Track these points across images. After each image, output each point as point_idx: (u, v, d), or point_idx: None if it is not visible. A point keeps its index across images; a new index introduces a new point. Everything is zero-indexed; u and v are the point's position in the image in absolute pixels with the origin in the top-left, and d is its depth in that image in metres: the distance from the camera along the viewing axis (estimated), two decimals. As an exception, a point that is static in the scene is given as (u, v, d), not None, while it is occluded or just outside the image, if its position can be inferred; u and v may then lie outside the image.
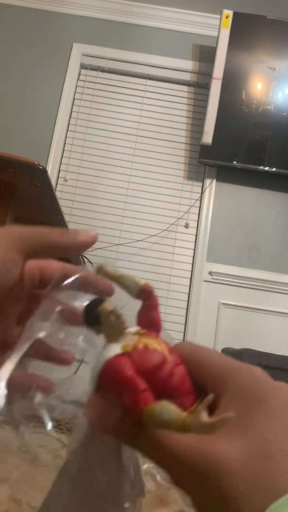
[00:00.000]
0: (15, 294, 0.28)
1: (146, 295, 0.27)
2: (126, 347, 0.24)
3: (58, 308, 0.27)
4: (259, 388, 0.23)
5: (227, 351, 2.23)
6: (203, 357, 0.25)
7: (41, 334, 0.26)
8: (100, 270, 0.28)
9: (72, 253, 0.29)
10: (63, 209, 1.49)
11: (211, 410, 0.21)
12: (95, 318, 0.24)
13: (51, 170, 2.55)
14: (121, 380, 0.22)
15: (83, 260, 2.31)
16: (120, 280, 0.27)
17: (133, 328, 0.26)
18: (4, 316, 0.29)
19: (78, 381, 0.27)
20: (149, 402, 0.21)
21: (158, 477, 0.26)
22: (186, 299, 2.43)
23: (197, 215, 2.55)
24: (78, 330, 0.27)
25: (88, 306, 0.25)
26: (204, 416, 0.19)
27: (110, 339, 0.24)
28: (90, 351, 0.26)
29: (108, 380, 0.23)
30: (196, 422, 0.20)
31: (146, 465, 0.26)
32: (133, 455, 0.25)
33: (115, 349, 0.24)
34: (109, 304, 0.25)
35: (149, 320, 0.27)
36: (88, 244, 0.29)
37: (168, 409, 0.21)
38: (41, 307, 0.27)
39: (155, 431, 0.22)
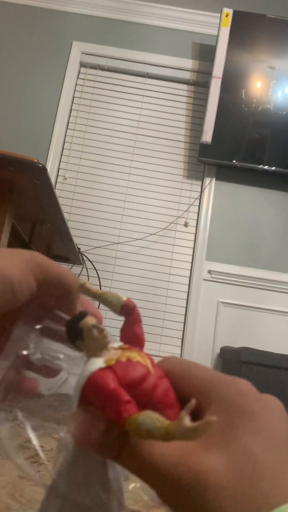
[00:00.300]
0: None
1: (128, 311, 0.27)
2: (109, 360, 0.23)
3: (41, 325, 0.27)
4: (244, 401, 0.22)
5: (226, 350, 2.24)
6: (188, 371, 0.25)
7: (24, 351, 0.26)
8: (82, 287, 0.27)
9: (70, 298, 0.29)
10: (62, 207, 1.49)
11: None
12: (77, 333, 0.24)
13: (51, 168, 2.55)
14: (104, 392, 0.22)
15: (83, 258, 2.31)
16: (102, 296, 0.27)
17: (116, 343, 0.26)
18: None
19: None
20: (132, 413, 0.21)
21: (146, 497, 0.25)
22: (185, 298, 2.44)
23: (196, 214, 2.55)
24: (59, 347, 0.27)
25: (69, 321, 0.25)
26: (187, 421, 0.19)
27: (93, 354, 0.24)
28: (72, 367, 0.26)
29: (91, 393, 0.23)
30: (179, 428, 0.19)
31: (133, 485, 0.26)
32: (117, 474, 0.25)
33: (98, 363, 0.23)
34: (90, 319, 0.24)
35: (132, 335, 0.27)
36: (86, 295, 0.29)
37: (152, 417, 0.20)
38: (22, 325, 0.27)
39: (139, 445, 0.22)
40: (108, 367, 0.23)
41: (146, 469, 0.21)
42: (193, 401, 0.20)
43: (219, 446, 0.21)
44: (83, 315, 0.25)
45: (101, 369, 0.23)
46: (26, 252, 0.27)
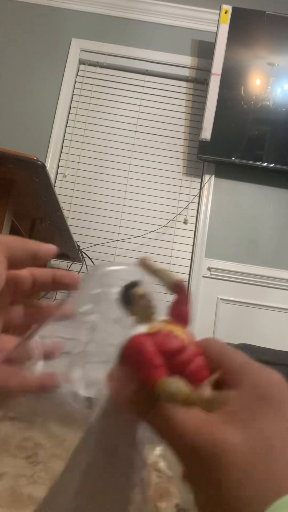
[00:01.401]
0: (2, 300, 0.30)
1: (179, 290, 0.28)
2: (152, 329, 0.25)
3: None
4: (272, 389, 0.23)
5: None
6: (226, 354, 0.26)
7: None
8: (142, 263, 0.29)
9: (42, 261, 0.31)
10: (62, 204, 1.50)
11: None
12: (129, 298, 0.27)
13: (50, 165, 2.55)
14: (140, 354, 0.24)
15: (82, 255, 2.31)
16: (158, 273, 0.29)
17: (163, 317, 0.27)
18: None
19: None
20: (163, 376, 0.23)
21: (162, 465, 0.27)
22: (185, 295, 2.44)
23: (195, 211, 2.56)
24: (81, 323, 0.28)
25: (125, 286, 0.27)
26: (207, 391, 0.21)
27: (140, 321, 0.26)
28: (117, 332, 0.27)
29: (129, 354, 0.25)
30: (199, 396, 0.21)
31: (151, 460, 0.27)
32: (143, 438, 0.27)
33: (140, 329, 0.25)
34: (141, 288, 0.27)
35: (179, 313, 0.28)
36: (49, 253, 0.31)
37: (178, 383, 0.22)
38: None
39: (165, 407, 0.23)
40: (149, 334, 0.25)
41: (169, 430, 0.23)
42: (216, 374, 0.22)
43: (238, 424, 0.22)
44: (137, 283, 0.27)
45: (142, 335, 0.25)
46: None
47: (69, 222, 2.30)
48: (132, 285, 0.27)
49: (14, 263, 0.29)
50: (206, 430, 0.22)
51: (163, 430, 0.23)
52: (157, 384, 0.23)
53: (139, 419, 0.25)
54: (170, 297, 0.28)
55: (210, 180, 2.57)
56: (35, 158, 1.11)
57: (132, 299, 0.27)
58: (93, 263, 2.36)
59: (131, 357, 0.24)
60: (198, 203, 2.56)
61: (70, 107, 2.69)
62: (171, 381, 0.22)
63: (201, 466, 0.21)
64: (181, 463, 0.23)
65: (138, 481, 0.26)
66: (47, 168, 1.17)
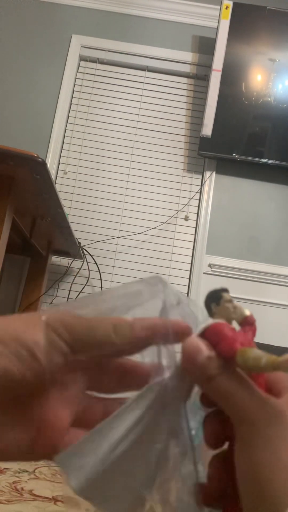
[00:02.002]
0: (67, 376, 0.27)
1: (250, 323, 0.29)
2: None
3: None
4: None
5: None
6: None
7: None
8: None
9: (126, 354, 0.28)
10: (62, 201, 1.50)
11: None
12: (216, 298, 0.29)
13: (51, 162, 2.55)
14: (221, 332, 0.26)
15: (83, 252, 2.31)
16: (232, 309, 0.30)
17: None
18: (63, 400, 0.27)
19: None
20: (243, 346, 0.25)
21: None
22: (186, 292, 2.44)
23: (196, 208, 2.55)
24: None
25: (215, 289, 0.30)
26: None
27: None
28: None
29: (210, 331, 0.27)
30: (284, 359, 0.23)
31: None
32: (187, 428, 0.28)
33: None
34: (229, 295, 0.29)
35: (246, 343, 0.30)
36: (144, 339, 0.27)
37: (258, 350, 0.24)
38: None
39: (242, 372, 0.25)
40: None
41: (241, 389, 0.25)
42: None
43: None
44: (226, 289, 0.29)
45: (225, 323, 0.27)
46: (47, 311, 0.25)
47: (70, 219, 2.31)
48: (222, 289, 0.29)
49: (81, 353, 0.25)
50: (276, 400, 0.25)
51: (233, 391, 0.25)
52: (239, 351, 0.25)
53: (204, 384, 0.26)
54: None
55: (211, 177, 2.56)
56: (35, 155, 1.11)
57: (219, 301, 0.29)
58: (94, 260, 2.36)
59: (212, 333, 0.26)
60: (199, 200, 2.56)
61: (71, 104, 2.68)
62: (253, 349, 0.25)
63: (274, 421, 0.24)
64: (238, 420, 0.24)
65: (173, 455, 0.27)
66: (48, 165, 1.17)
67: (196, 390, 0.28)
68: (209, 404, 0.28)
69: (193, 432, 0.28)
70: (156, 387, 0.27)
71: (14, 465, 1.16)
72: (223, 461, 0.27)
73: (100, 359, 0.28)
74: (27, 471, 1.15)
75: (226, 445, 0.28)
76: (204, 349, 0.25)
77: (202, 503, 0.27)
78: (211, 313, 0.29)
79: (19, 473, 1.13)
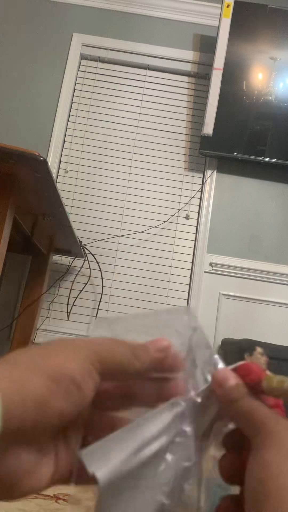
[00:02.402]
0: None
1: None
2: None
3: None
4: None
5: (228, 342, 2.25)
6: None
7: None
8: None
9: (144, 376, 0.30)
10: (64, 200, 1.50)
11: None
12: (250, 350, 0.34)
13: (52, 161, 2.55)
14: (251, 367, 0.32)
15: (84, 251, 2.31)
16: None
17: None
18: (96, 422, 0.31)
19: None
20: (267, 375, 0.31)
21: None
22: (187, 290, 2.44)
23: (197, 206, 2.55)
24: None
25: (246, 340, 0.37)
26: None
27: None
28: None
29: (241, 368, 0.32)
30: None
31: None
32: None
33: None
34: (262, 349, 0.34)
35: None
36: (159, 360, 0.31)
37: (283, 377, 0.29)
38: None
39: (258, 396, 0.30)
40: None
41: (257, 410, 0.29)
42: None
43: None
44: (258, 342, 0.35)
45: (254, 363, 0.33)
46: (81, 342, 0.27)
47: (71, 217, 2.31)
48: (256, 343, 0.34)
49: (106, 377, 0.28)
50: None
51: (253, 409, 0.29)
52: (266, 377, 0.30)
53: (229, 405, 0.30)
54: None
55: (212, 175, 2.56)
56: (36, 154, 1.11)
57: (253, 352, 0.34)
58: (95, 259, 2.36)
59: (243, 368, 0.32)
60: (200, 199, 2.56)
61: (72, 102, 2.68)
62: (278, 376, 0.29)
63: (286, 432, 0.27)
64: (261, 433, 0.27)
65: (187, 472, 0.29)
66: (49, 163, 1.17)
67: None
68: (229, 446, 0.31)
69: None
70: (185, 402, 0.31)
71: None
72: (235, 499, 0.29)
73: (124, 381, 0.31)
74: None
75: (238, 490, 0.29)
76: (232, 377, 0.31)
77: None
78: (242, 359, 0.34)
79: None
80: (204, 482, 0.30)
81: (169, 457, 0.28)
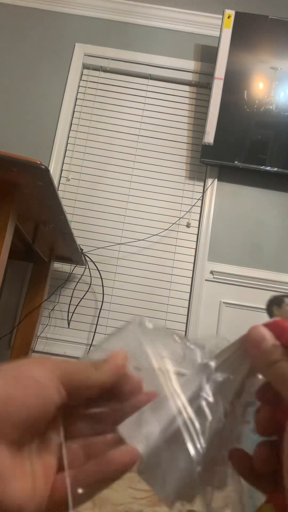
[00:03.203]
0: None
1: None
2: None
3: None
4: None
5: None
6: None
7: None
8: None
9: (108, 385, 0.31)
10: (65, 208, 1.50)
11: None
12: (278, 302, 0.33)
13: (54, 169, 2.56)
14: (285, 326, 0.30)
15: (85, 259, 2.32)
16: None
17: None
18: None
19: None
20: None
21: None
22: (188, 298, 2.44)
23: (198, 215, 2.56)
24: None
25: (276, 295, 0.34)
26: None
27: None
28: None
29: (273, 326, 0.30)
30: None
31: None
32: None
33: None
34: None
35: None
36: (119, 368, 0.31)
37: None
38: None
39: None
40: None
41: None
42: None
43: None
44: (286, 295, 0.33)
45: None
46: (51, 361, 0.30)
47: (72, 225, 2.31)
48: (284, 295, 0.33)
49: (75, 394, 0.30)
50: None
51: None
52: None
53: (267, 368, 0.29)
54: None
55: (213, 184, 2.57)
56: (38, 162, 1.11)
57: (281, 303, 0.32)
58: (96, 266, 2.37)
59: (275, 326, 0.30)
60: (201, 207, 2.56)
61: (74, 111, 2.70)
62: None
63: None
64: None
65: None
66: (51, 172, 1.18)
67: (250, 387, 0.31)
68: (264, 399, 0.31)
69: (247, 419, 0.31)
70: (208, 369, 0.31)
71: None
72: (271, 445, 0.29)
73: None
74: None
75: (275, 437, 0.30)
76: (270, 337, 0.30)
77: (244, 475, 0.29)
78: (272, 315, 0.33)
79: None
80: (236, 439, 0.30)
81: (200, 422, 0.28)
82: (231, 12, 2.52)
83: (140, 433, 0.27)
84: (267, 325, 0.30)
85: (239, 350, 0.31)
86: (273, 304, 0.33)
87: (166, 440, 0.28)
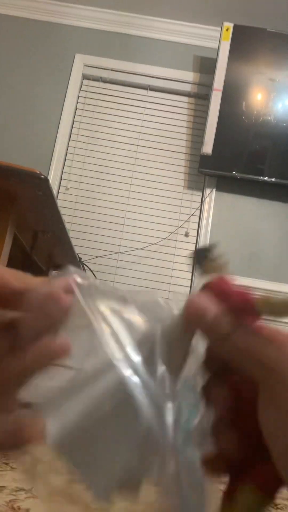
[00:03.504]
0: None
1: None
2: None
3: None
4: None
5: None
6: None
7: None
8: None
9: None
10: (64, 217, 1.51)
11: None
12: (204, 257, 0.28)
13: (53, 179, 2.57)
14: (229, 285, 0.24)
15: (84, 268, 2.32)
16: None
17: None
18: None
19: None
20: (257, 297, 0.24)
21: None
22: (186, 308, 2.44)
23: (197, 224, 2.57)
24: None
25: (201, 247, 0.29)
26: None
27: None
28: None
29: (214, 288, 0.25)
30: None
31: None
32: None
33: None
34: (216, 250, 0.28)
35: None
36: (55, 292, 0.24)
37: (282, 296, 0.23)
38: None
39: (257, 323, 0.24)
40: None
41: (261, 344, 0.23)
42: None
43: None
44: (215, 245, 0.29)
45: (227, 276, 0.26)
46: None
47: (71, 234, 2.31)
48: (211, 246, 0.29)
49: None
50: None
51: (255, 344, 0.23)
52: (260, 299, 0.23)
53: (218, 344, 0.24)
54: None
55: (211, 194, 2.58)
56: (37, 172, 1.12)
57: (206, 258, 0.27)
58: (94, 275, 2.36)
59: (216, 287, 0.24)
60: (199, 217, 2.57)
61: (73, 121, 2.72)
62: (272, 296, 0.23)
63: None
64: (273, 373, 0.22)
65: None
66: (50, 181, 1.18)
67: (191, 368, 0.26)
68: (213, 368, 0.26)
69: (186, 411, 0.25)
70: (148, 343, 0.25)
71: (11, 484, 1.14)
72: (231, 424, 0.25)
73: None
74: (24, 489, 1.14)
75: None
76: (213, 306, 0.24)
77: (212, 472, 0.25)
78: (203, 270, 0.27)
79: (16, 491, 1.12)
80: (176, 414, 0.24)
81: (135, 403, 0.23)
82: (230, 25, 2.55)
83: (57, 414, 0.23)
84: (205, 290, 0.25)
85: (179, 327, 0.25)
86: (201, 258, 0.28)
87: (89, 423, 0.23)
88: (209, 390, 0.26)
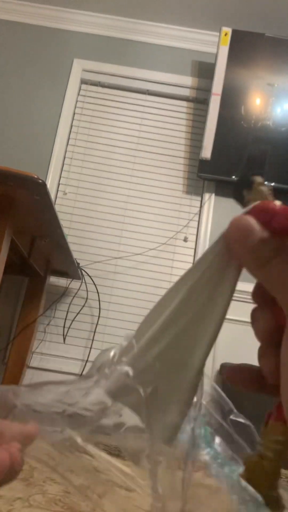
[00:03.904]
0: None
1: None
2: None
3: None
4: None
5: (226, 366, 2.21)
6: None
7: None
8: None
9: None
10: (62, 222, 1.49)
11: None
12: (247, 183, 0.26)
13: (51, 183, 2.56)
14: (272, 208, 0.23)
15: (82, 273, 2.30)
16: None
17: None
18: None
19: None
20: None
21: None
22: (185, 313, 2.42)
23: (196, 229, 2.55)
24: None
25: (242, 176, 0.27)
26: None
27: None
28: None
29: (257, 212, 0.23)
30: None
31: None
32: None
33: None
34: (260, 177, 0.27)
35: None
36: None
37: None
38: None
39: None
40: None
41: None
42: None
43: None
44: (252, 174, 0.27)
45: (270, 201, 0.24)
46: None
47: (69, 239, 2.30)
48: (250, 174, 0.27)
49: None
50: None
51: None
52: None
53: (258, 270, 0.23)
54: None
55: (210, 199, 2.57)
56: (35, 176, 1.11)
57: (251, 184, 0.26)
58: (93, 281, 2.35)
59: (259, 211, 0.23)
60: (198, 221, 2.56)
61: (72, 126, 2.71)
62: None
63: None
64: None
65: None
66: (48, 186, 1.17)
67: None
68: (260, 301, 0.26)
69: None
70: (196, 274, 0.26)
71: (7, 492, 1.12)
72: (271, 350, 0.25)
73: None
74: (20, 498, 1.12)
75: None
76: (257, 228, 0.22)
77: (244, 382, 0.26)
78: (243, 202, 0.26)
79: (13, 500, 1.10)
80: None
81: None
82: (228, 30, 2.55)
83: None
84: (249, 213, 0.24)
85: (220, 253, 0.25)
86: (241, 189, 0.26)
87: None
88: (254, 314, 0.26)
